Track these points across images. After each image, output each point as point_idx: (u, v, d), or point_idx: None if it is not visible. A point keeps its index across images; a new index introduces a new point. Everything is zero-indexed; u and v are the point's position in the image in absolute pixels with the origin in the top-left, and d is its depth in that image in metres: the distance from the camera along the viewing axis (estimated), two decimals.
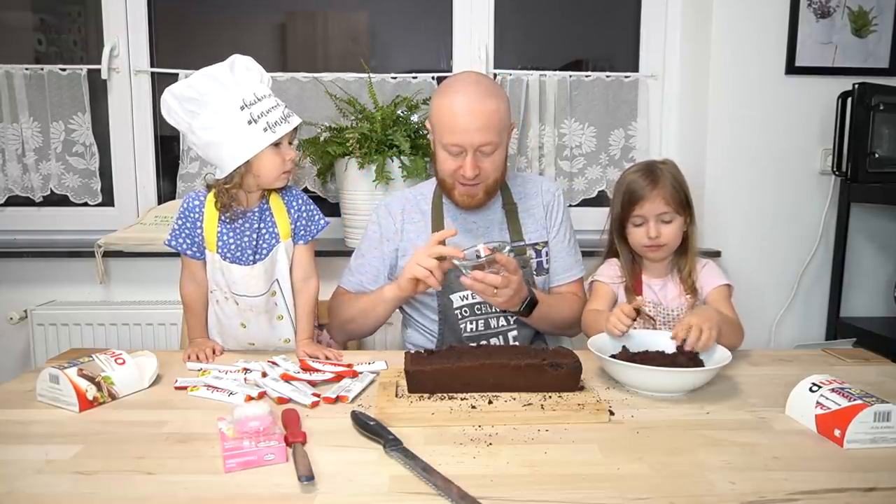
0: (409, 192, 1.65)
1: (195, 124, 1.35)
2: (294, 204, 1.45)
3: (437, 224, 1.55)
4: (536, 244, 1.57)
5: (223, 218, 1.40)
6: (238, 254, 1.41)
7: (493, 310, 1.51)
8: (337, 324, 1.61)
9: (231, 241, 1.40)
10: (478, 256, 1.34)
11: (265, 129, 1.32)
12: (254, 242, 1.41)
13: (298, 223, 1.45)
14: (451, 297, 1.51)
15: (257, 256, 1.42)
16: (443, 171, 1.50)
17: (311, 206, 1.48)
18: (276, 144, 1.35)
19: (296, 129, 1.41)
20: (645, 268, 1.54)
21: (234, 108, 1.31)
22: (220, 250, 1.40)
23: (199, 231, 1.41)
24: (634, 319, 1.29)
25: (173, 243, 1.43)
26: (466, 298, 1.50)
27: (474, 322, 1.51)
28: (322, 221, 1.49)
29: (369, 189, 1.99)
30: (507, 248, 1.38)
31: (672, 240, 1.48)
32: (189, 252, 1.43)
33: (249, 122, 1.31)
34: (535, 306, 1.44)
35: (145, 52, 2.24)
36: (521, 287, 1.39)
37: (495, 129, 1.41)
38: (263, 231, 1.42)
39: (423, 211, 1.59)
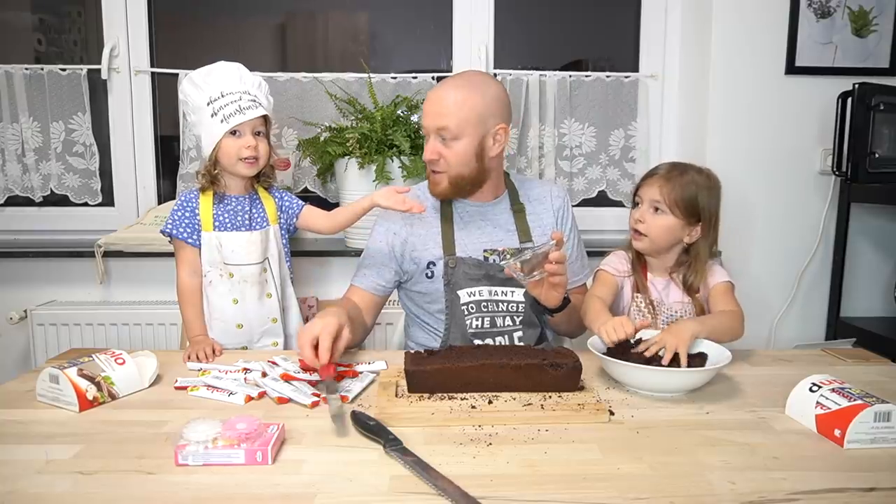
0: (415, 187, 1.65)
1: (189, 122, 1.61)
2: (276, 194, 1.66)
3: (447, 220, 1.55)
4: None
5: (216, 201, 1.55)
6: (235, 226, 1.55)
7: (500, 308, 1.51)
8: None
9: (226, 218, 1.54)
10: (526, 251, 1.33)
11: (221, 121, 1.50)
12: (247, 220, 1.56)
13: (283, 203, 1.64)
14: (458, 292, 1.51)
15: (253, 227, 1.57)
16: None
17: (291, 195, 1.68)
18: (234, 133, 1.51)
19: (266, 122, 1.57)
20: (649, 265, 1.54)
21: (203, 105, 1.52)
22: (216, 228, 1.53)
23: (196, 219, 1.53)
24: (631, 341, 1.24)
25: (174, 231, 1.53)
26: (473, 295, 1.50)
27: (480, 319, 1.51)
28: (299, 203, 1.66)
29: (369, 189, 1.99)
30: (552, 242, 1.36)
31: (655, 234, 1.44)
32: (190, 240, 1.53)
33: (212, 115, 1.51)
34: (569, 301, 1.46)
35: (145, 52, 2.24)
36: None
37: (454, 116, 1.42)
38: (254, 213, 1.58)
39: (430, 204, 1.58)
